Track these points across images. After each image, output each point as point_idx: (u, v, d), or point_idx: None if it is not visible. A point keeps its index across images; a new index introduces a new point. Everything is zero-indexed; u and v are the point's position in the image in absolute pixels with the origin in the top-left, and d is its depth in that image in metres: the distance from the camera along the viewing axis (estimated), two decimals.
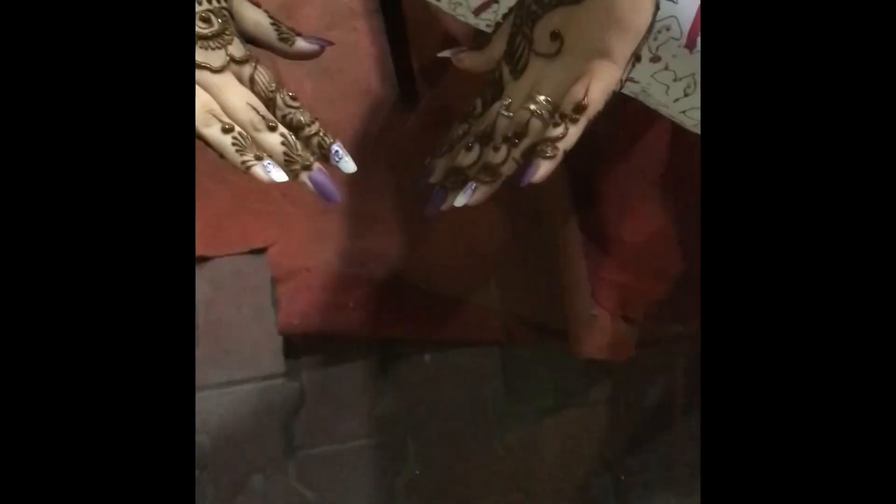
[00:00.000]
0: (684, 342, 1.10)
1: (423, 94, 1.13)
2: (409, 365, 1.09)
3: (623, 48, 0.44)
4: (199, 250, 1.09)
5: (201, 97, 0.43)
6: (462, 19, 0.68)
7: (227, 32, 0.45)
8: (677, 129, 0.69)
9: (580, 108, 0.43)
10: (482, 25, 0.67)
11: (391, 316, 1.08)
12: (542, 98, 0.44)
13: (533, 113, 0.44)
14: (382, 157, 1.11)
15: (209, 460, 1.04)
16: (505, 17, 0.49)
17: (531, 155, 0.44)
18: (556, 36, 0.44)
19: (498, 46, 0.49)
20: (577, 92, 0.43)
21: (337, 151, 0.45)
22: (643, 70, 0.64)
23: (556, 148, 0.43)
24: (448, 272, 1.10)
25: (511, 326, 1.09)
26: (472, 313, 1.09)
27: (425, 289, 1.09)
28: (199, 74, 0.43)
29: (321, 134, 0.45)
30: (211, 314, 1.08)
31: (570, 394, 1.09)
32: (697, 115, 0.64)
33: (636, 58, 0.45)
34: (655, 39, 0.62)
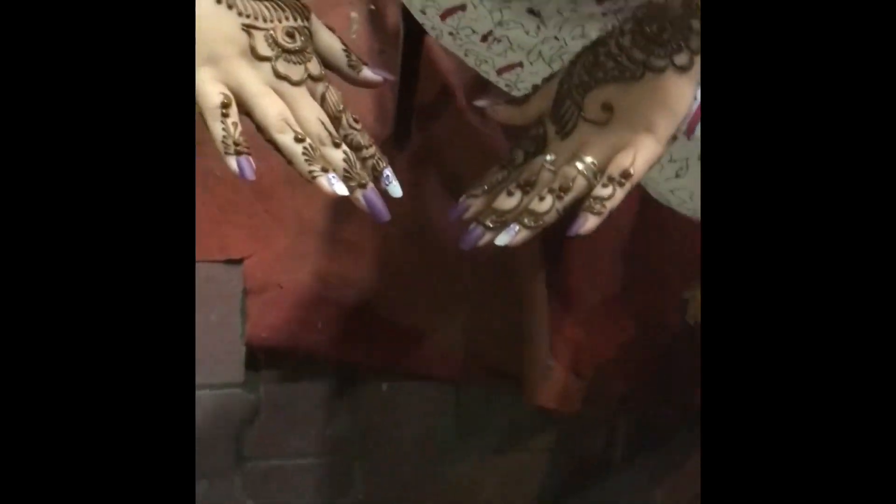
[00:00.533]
0: (627, 402, 1.16)
1: (414, 134, 1.19)
2: (367, 390, 1.12)
3: (667, 127, 0.50)
4: None
5: (278, 105, 0.47)
6: (484, 75, 0.74)
7: (308, 50, 0.49)
8: (646, 204, 0.75)
9: (626, 175, 0.48)
10: (502, 84, 0.72)
11: (355, 341, 1.12)
12: (588, 159, 0.49)
13: (579, 172, 0.49)
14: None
15: None
16: (545, 81, 0.55)
17: (576, 209, 0.49)
18: (607, 107, 0.50)
19: (536, 105, 0.54)
20: (625, 160, 0.49)
21: (388, 175, 0.49)
22: None
23: (605, 206, 0.48)
24: (416, 305, 1.14)
25: (469, 366, 1.13)
26: (433, 348, 1.13)
27: (391, 319, 1.13)
28: (279, 84, 0.47)
29: (376, 157, 0.50)
30: None
31: (517, 438, 1.13)
32: (684, 195, 0.71)
33: (674, 137, 0.51)
34: None
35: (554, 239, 1.13)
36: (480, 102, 0.57)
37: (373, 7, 1.26)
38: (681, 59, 0.49)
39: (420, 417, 1.12)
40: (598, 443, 1.15)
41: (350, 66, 0.51)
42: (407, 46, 1.00)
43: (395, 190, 0.50)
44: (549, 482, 1.14)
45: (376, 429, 1.11)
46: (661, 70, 0.49)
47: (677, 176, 0.68)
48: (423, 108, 1.17)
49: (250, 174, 0.45)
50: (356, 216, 1.15)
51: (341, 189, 0.46)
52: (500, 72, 0.70)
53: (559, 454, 1.14)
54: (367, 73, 0.52)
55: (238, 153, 0.45)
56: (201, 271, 1.11)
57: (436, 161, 1.18)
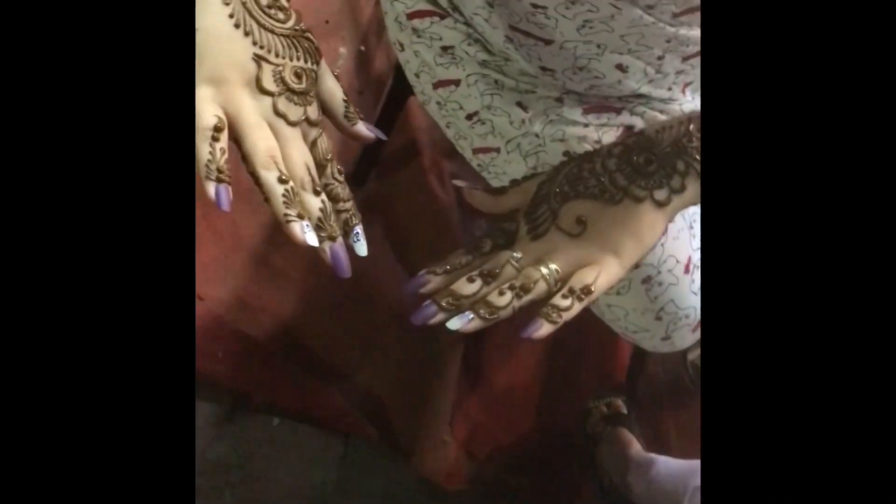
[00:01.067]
0: (521, 492, 1.16)
1: (371, 180, 1.19)
2: (257, 420, 1.09)
3: (633, 255, 0.51)
4: None
5: (269, 141, 0.46)
6: (459, 150, 0.75)
7: (311, 94, 0.49)
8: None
9: (587, 291, 0.49)
10: (474, 163, 0.74)
11: (255, 373, 1.09)
12: (553, 266, 0.50)
13: (542, 276, 0.50)
14: None
15: None
16: (525, 179, 0.56)
17: (533, 312, 0.50)
18: (581, 221, 0.51)
19: (513, 199, 0.55)
20: (588, 276, 0.50)
21: (358, 233, 0.49)
22: None
23: (560, 317, 0.49)
24: (328, 346, 1.12)
25: (362, 422, 1.12)
26: (332, 396, 1.11)
27: (298, 354, 1.11)
28: (275, 121, 0.47)
29: (351, 213, 0.49)
30: None
31: None
32: (619, 312, 0.72)
33: (635, 266, 0.52)
34: None
35: None
36: (459, 183, 0.58)
37: (363, 48, 1.27)
38: (660, 194, 0.51)
39: (304, 461, 1.09)
40: None
41: (346, 116, 0.52)
42: (390, 99, 1.01)
43: (362, 249, 0.49)
44: None
45: (257, 462, 1.08)
46: (640, 200, 0.51)
47: (618, 293, 0.70)
48: (387, 157, 1.18)
49: (226, 205, 0.44)
50: (291, 244, 1.13)
51: (312, 240, 0.46)
52: (475, 151, 0.71)
53: None
54: (361, 128, 0.52)
55: (219, 181, 0.44)
56: None
57: (386, 211, 1.18)
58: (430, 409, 1.10)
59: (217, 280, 1.10)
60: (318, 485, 1.10)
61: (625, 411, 1.13)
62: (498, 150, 0.70)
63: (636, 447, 1.05)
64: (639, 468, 0.97)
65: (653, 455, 0.98)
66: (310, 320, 1.12)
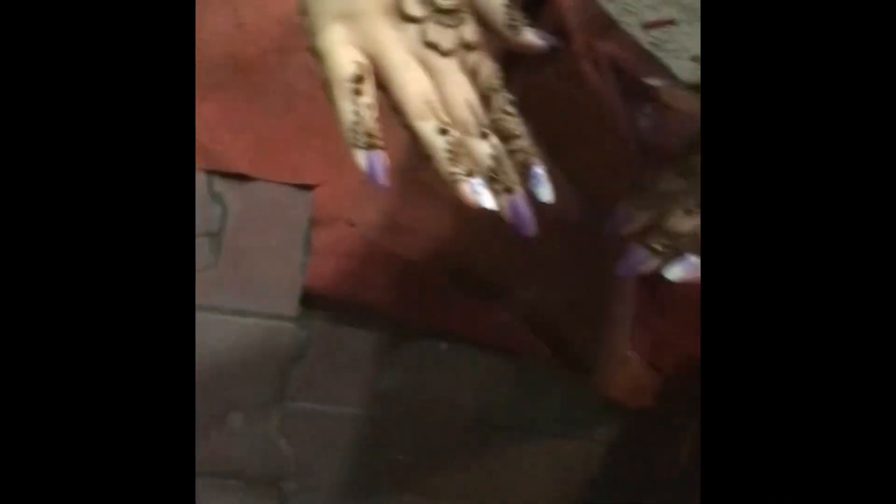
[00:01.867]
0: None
1: (514, 79, 1.08)
2: (424, 346, 1.05)
3: None
4: (244, 167, 1.04)
5: (422, 83, 0.38)
6: (625, 28, 0.63)
7: (464, 9, 0.39)
8: None
9: None
10: (646, 42, 0.62)
11: (417, 299, 1.04)
12: None
13: None
14: None
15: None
16: None
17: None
18: None
19: None
20: None
21: (538, 175, 0.40)
22: None
23: None
24: (489, 265, 1.05)
25: (533, 340, 1.05)
26: (500, 316, 1.05)
27: (459, 277, 1.05)
28: (426, 54, 0.38)
29: (528, 151, 0.40)
30: (236, 237, 1.03)
31: (577, 424, 1.06)
32: None
33: None
34: None
35: None
36: (654, 81, 0.47)
37: None
38: None
39: (477, 386, 1.05)
40: (665, 443, 1.07)
41: (510, 25, 0.41)
42: None
43: (545, 193, 0.41)
44: (606, 476, 1.06)
45: (428, 389, 1.04)
46: None
47: None
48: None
49: (383, 177, 0.36)
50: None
51: (488, 201, 0.39)
52: (647, 27, 0.60)
53: (621, 449, 1.06)
54: (530, 35, 0.42)
55: (370, 147, 0.36)
56: (266, 191, 1.04)
57: (537, 111, 1.08)
58: (608, 323, 1.02)
59: (366, 204, 1.05)
60: (496, 409, 1.05)
61: None
62: (674, 22, 0.58)
63: None
64: None
65: None
66: (467, 237, 1.05)
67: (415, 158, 1.05)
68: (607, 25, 0.65)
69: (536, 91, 1.09)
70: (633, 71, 0.60)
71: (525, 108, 1.06)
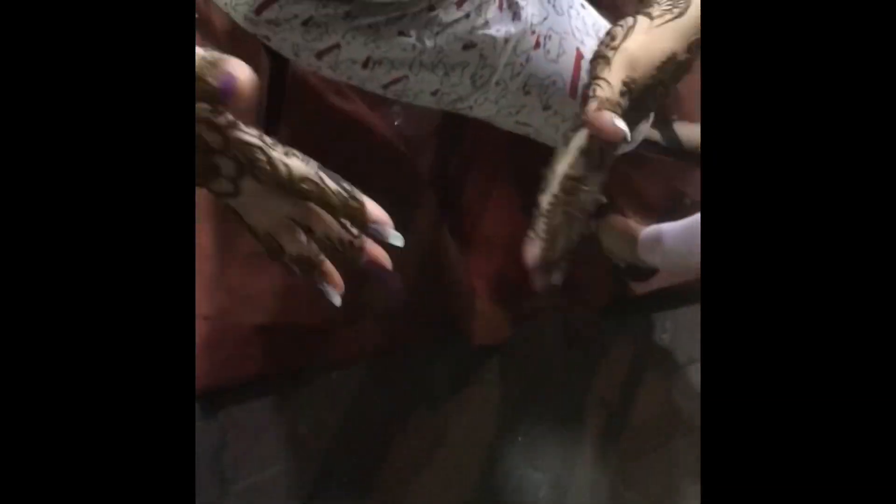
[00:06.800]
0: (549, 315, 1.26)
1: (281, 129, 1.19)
2: (318, 384, 1.17)
3: None
4: None
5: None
6: (370, 90, 0.76)
7: None
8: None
9: None
10: (389, 96, 0.76)
11: (288, 350, 1.15)
12: None
13: None
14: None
15: None
16: None
17: None
18: None
19: None
20: None
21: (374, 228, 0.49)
22: (537, 116, 0.77)
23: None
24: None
25: (397, 332, 1.19)
26: (351, 331, 1.18)
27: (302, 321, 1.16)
28: None
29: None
30: None
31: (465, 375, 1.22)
32: (508, 119, 0.78)
33: None
34: (545, 92, 0.75)
35: (446, 194, 1.19)
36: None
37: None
38: None
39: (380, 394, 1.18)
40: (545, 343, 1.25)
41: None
42: (274, 71, 0.99)
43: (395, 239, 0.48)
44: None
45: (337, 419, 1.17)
46: None
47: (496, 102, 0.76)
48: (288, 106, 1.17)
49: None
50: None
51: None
52: (386, 86, 0.73)
53: (508, 382, 1.24)
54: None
55: None
56: None
57: (302, 144, 1.17)
58: (451, 286, 1.17)
59: (209, 294, 1.14)
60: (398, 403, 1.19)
61: (605, 199, 1.19)
62: (406, 77, 0.72)
63: (633, 225, 1.13)
64: (647, 244, 1.05)
65: (654, 226, 1.06)
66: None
67: (235, 235, 1.13)
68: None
69: (298, 126, 1.20)
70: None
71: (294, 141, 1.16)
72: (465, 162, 1.22)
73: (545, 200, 0.54)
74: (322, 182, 0.46)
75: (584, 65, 0.72)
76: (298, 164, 0.46)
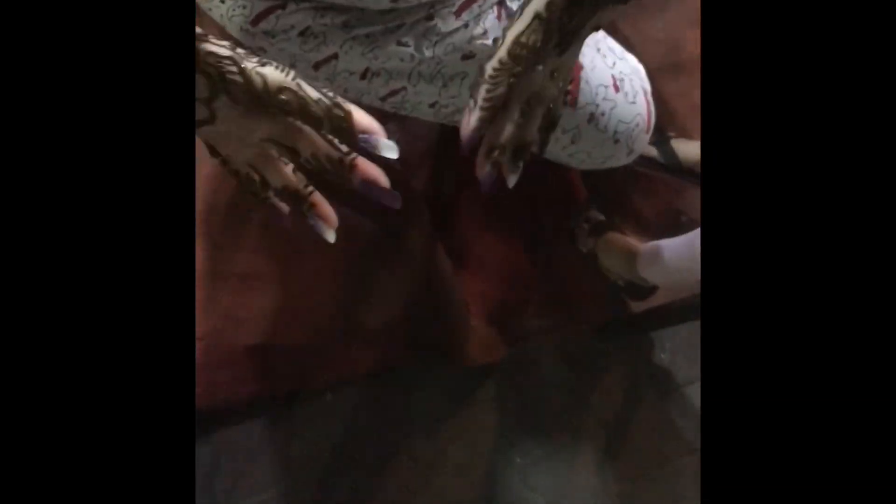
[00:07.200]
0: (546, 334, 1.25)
1: None
2: (309, 408, 1.15)
3: None
4: None
5: None
6: (367, 103, 0.75)
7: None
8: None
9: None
10: (387, 108, 0.75)
11: (282, 371, 1.13)
12: None
13: None
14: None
15: None
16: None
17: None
18: None
19: None
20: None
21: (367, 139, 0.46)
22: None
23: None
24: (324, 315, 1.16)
25: (391, 354, 1.17)
26: (346, 352, 1.16)
27: (295, 344, 1.15)
28: None
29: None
30: None
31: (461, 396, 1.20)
32: (582, 156, 0.78)
33: None
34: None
35: (441, 214, 1.18)
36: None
37: None
38: None
39: (373, 413, 1.16)
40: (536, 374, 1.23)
41: None
42: None
43: (390, 152, 0.44)
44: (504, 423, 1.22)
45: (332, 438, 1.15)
46: None
47: (573, 142, 0.75)
48: None
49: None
50: (247, 247, 1.14)
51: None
52: (384, 98, 0.73)
53: (503, 401, 1.22)
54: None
55: None
56: None
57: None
58: (448, 307, 1.15)
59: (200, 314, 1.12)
60: (394, 421, 1.17)
61: (603, 217, 1.19)
62: (405, 89, 0.72)
63: (633, 242, 1.12)
64: (647, 261, 1.04)
65: (653, 243, 1.05)
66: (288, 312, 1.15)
67: (224, 258, 1.12)
68: None
69: None
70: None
71: None
72: (459, 181, 1.22)
73: (489, 65, 0.50)
74: (301, 90, 0.42)
75: (584, 76, 0.71)
76: (274, 72, 0.42)
